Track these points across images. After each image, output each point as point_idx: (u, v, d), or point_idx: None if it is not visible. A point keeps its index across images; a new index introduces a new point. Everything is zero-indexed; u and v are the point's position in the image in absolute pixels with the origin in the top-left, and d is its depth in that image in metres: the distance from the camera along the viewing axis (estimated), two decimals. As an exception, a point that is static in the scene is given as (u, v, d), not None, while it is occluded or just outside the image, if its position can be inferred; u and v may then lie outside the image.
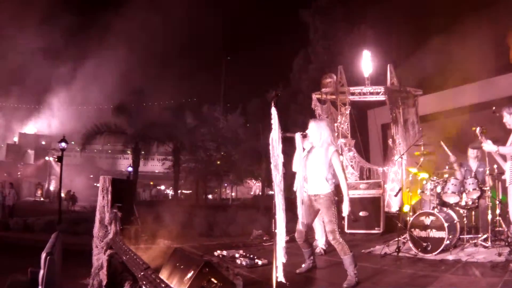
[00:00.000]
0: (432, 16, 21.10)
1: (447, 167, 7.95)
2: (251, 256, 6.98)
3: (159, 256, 6.31)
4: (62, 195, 27.79)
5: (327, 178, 5.48)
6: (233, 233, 13.40)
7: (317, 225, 7.53)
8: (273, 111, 4.26)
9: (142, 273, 3.86)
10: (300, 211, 5.37)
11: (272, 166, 4.27)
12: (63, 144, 21.42)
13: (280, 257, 4.13)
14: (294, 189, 5.37)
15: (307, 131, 5.58)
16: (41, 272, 4.57)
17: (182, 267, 4.35)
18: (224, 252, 7.59)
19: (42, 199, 45.39)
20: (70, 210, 30.00)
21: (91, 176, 47.51)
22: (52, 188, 50.21)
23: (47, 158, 54.88)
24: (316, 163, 5.52)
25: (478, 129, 6.20)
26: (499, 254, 6.06)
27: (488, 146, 5.96)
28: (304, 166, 5.50)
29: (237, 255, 7.21)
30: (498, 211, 6.89)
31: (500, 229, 6.93)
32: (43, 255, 4.61)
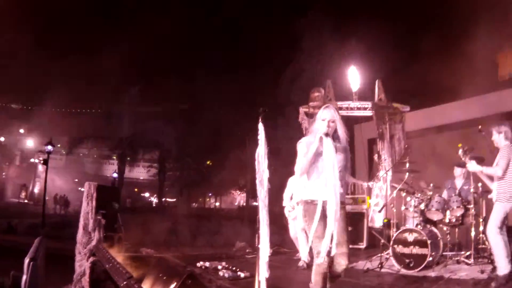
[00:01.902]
0: (421, 33, 21.33)
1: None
2: (234, 268, 6.98)
3: (142, 265, 6.27)
4: (53, 197, 27.58)
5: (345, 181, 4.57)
6: (216, 244, 13.39)
7: (300, 235, 6.98)
8: (260, 126, 4.24)
9: (125, 283, 3.84)
10: (320, 226, 4.18)
11: (257, 181, 4.23)
12: (49, 147, 21.36)
13: (263, 272, 4.12)
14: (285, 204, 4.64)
15: (325, 120, 4.45)
16: (24, 277, 4.54)
17: (165, 278, 4.34)
18: (207, 264, 7.57)
19: (26, 201, 45.06)
20: (62, 214, 29.89)
21: (76, 180, 47.11)
22: (36, 190, 49.76)
23: (32, 160, 54.43)
24: (338, 163, 4.34)
25: (460, 151, 6.24)
26: (482, 272, 6.11)
27: (473, 166, 5.99)
28: (321, 169, 4.34)
29: (219, 267, 7.20)
30: (481, 228, 6.96)
31: (483, 246, 6.98)
32: (26, 260, 4.58)
